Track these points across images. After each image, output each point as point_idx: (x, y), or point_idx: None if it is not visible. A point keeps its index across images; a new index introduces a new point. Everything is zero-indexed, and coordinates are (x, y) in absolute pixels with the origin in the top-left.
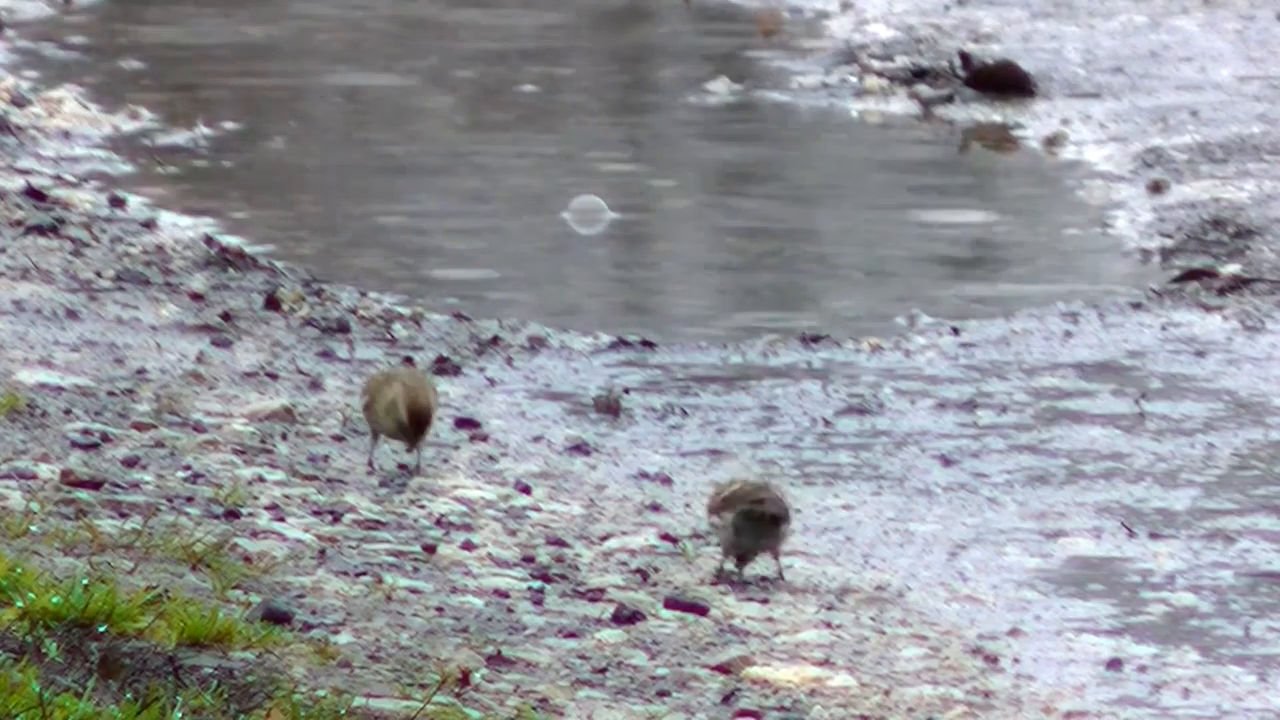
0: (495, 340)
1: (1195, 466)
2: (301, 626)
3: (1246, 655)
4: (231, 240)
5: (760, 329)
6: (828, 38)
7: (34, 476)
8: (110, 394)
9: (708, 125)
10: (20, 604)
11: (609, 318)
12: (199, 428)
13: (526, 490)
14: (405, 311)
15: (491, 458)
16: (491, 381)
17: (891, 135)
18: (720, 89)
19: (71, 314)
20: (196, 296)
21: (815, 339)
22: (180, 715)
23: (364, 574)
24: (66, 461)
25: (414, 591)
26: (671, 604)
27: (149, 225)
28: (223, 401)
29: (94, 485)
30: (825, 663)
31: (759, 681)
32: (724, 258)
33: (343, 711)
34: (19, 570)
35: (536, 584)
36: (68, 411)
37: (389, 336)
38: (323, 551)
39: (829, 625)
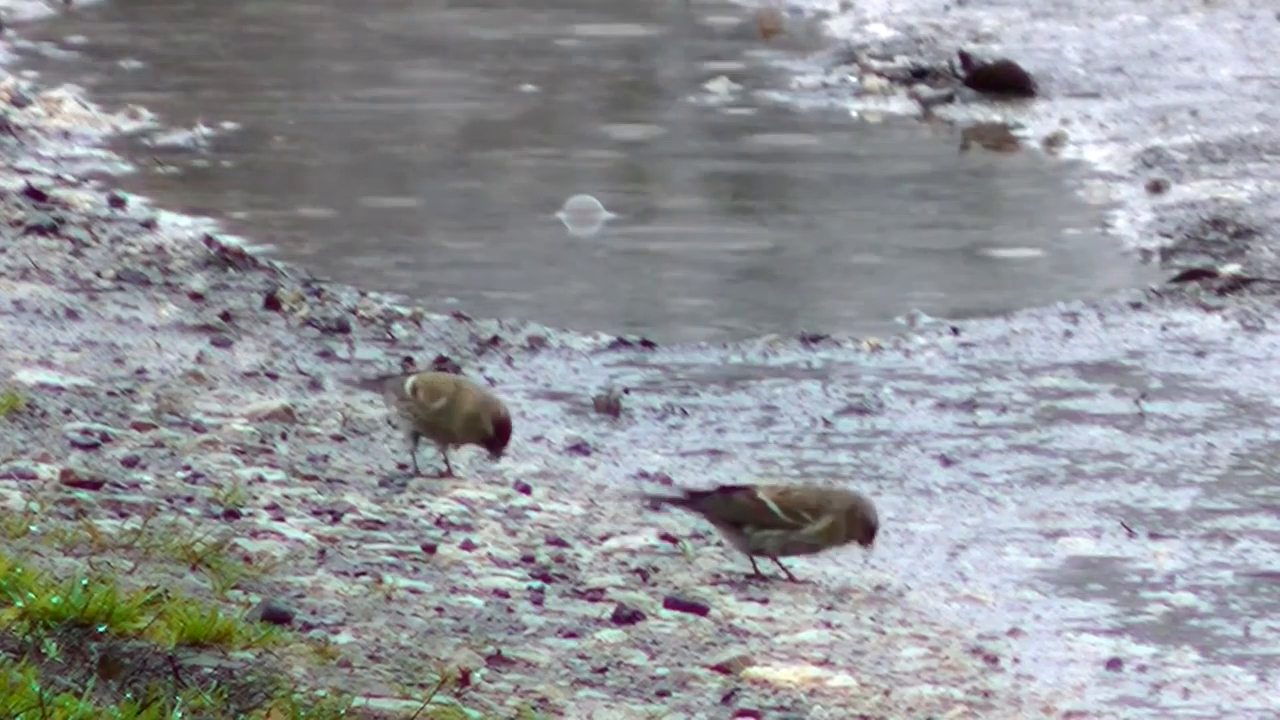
0: (495, 340)
1: (1195, 466)
2: (301, 626)
3: (1246, 655)
4: (231, 240)
5: (760, 329)
6: (828, 38)
7: (34, 476)
8: (110, 394)
9: (707, 125)
10: (20, 604)
11: (609, 318)
12: (199, 428)
13: (526, 490)
14: (405, 311)
15: None
16: (491, 381)
17: (891, 135)
18: (720, 89)
19: (71, 314)
20: (196, 296)
21: (815, 339)
22: (180, 715)
23: (364, 574)
24: (66, 461)
25: (414, 591)
26: (671, 604)
27: (149, 225)
28: (222, 401)
29: (94, 485)
30: (825, 663)
31: (759, 681)
32: (724, 258)
33: (342, 711)
34: (19, 570)
35: (536, 584)
36: (68, 411)
37: (389, 336)
38: (323, 551)
39: (829, 625)
